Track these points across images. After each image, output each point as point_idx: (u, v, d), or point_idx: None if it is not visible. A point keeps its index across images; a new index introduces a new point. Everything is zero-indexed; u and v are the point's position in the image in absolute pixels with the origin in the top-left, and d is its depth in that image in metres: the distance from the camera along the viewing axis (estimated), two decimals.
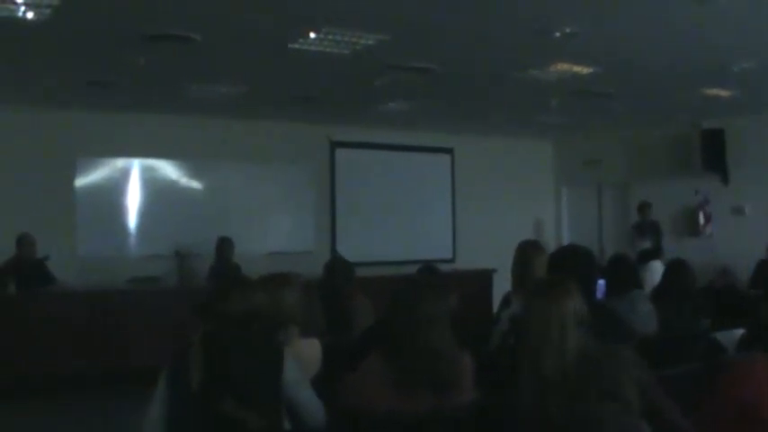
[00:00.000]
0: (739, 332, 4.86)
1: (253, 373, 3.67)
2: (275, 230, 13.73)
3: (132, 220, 12.76)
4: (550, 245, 13.24)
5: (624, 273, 5.90)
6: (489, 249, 13.20)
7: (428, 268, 6.77)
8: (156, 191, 12.89)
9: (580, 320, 3.27)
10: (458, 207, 16.00)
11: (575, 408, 3.08)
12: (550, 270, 4.43)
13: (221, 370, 3.63)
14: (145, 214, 12.78)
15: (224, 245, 12.05)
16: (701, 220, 14.32)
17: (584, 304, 3.33)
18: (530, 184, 16.94)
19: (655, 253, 12.80)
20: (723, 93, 11.44)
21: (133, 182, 12.79)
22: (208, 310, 3.80)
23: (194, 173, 13.23)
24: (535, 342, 3.24)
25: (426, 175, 15.66)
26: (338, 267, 6.80)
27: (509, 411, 3.27)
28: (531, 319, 3.31)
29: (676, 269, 6.46)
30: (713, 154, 13.94)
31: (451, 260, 15.31)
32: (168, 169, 13.03)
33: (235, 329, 3.76)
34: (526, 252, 5.42)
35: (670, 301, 6.10)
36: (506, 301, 5.39)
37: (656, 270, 11.31)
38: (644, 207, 14.16)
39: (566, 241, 16.01)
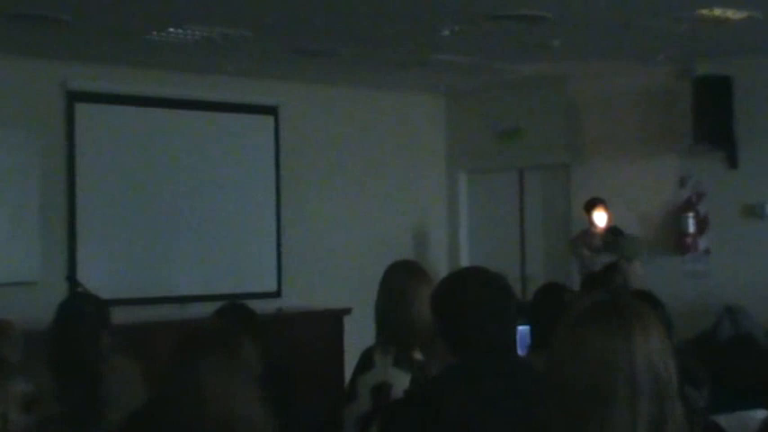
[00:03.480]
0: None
1: None
2: None
3: None
4: (441, 269, 12.02)
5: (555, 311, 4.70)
6: (337, 277, 12.07)
7: (233, 308, 5.63)
8: None
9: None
10: (285, 206, 12.78)
11: None
12: (435, 311, 3.61)
13: None
14: None
15: None
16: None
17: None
18: (407, 167, 13.91)
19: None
20: None
21: None
22: None
23: None
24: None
25: (232, 150, 12.39)
26: (82, 309, 5.60)
27: None
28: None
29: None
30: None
31: (276, 294, 12.48)
32: None
33: None
34: (400, 280, 4.51)
35: None
36: (366, 363, 4.54)
37: None
38: (595, 205, 11.71)
39: (465, 261, 13.63)
